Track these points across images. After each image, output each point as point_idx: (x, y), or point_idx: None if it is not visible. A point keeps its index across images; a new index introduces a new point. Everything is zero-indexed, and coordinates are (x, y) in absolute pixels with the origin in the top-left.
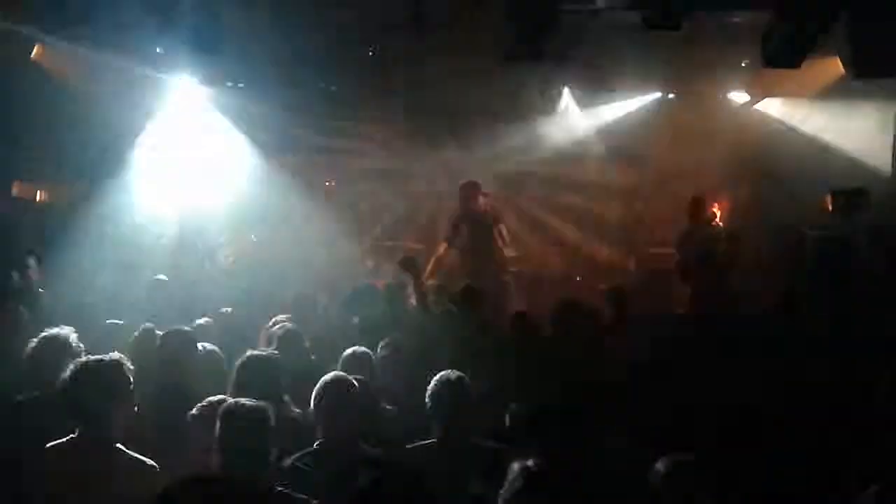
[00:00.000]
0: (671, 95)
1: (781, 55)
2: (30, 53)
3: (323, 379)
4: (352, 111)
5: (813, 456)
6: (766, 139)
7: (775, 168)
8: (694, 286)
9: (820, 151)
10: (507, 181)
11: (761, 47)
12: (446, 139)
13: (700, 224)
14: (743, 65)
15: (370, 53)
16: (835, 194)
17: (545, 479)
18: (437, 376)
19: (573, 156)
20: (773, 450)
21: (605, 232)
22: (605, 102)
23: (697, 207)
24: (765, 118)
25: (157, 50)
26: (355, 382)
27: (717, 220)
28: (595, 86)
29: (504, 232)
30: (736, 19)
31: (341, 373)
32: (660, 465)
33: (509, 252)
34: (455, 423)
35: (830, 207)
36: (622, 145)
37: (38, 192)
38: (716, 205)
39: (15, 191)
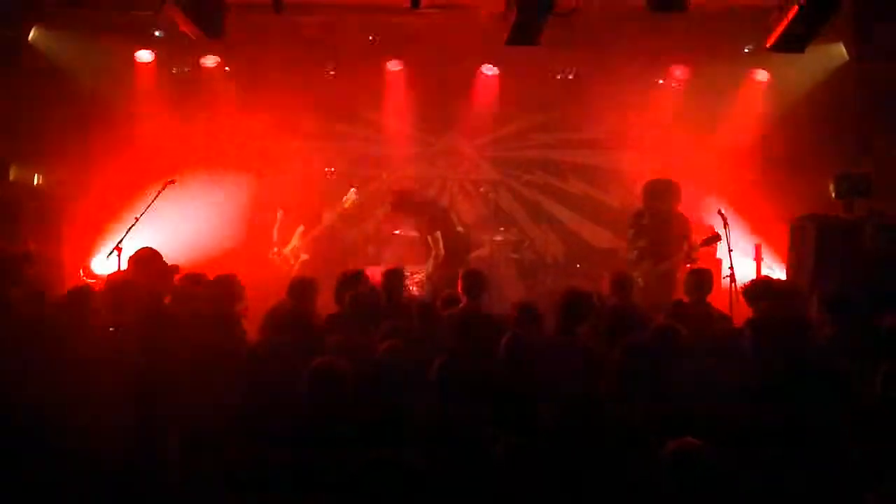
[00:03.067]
0: (674, 81)
1: (787, 40)
2: (27, 36)
3: None
4: (351, 95)
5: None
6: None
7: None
8: None
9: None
10: (506, 166)
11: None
12: (446, 124)
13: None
14: (746, 50)
15: (370, 39)
16: (839, 179)
17: None
18: None
19: (573, 141)
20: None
21: (605, 218)
22: (607, 86)
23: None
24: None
25: (156, 33)
26: None
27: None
28: (596, 69)
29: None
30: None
31: None
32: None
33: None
34: None
35: (833, 194)
36: (623, 130)
37: (36, 175)
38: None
39: (12, 175)
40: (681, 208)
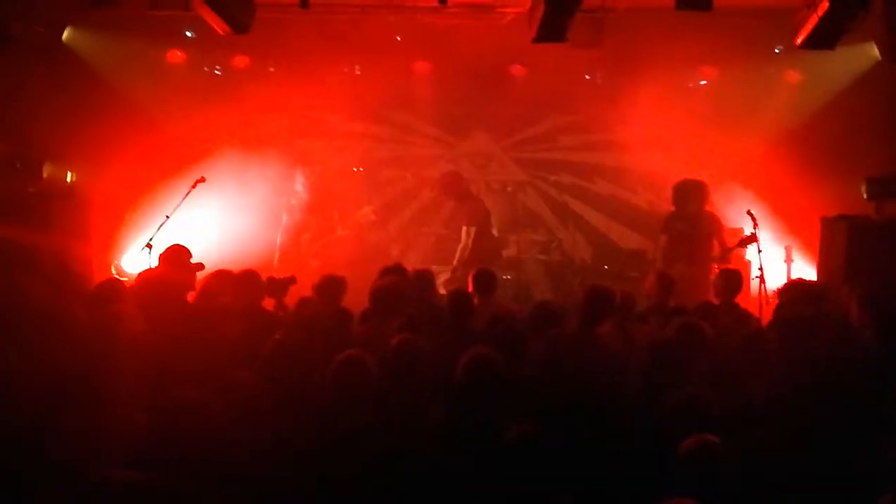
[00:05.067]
0: (703, 81)
1: (817, 38)
2: (61, 36)
3: None
4: (377, 95)
5: None
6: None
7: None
8: None
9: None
10: (533, 167)
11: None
12: (472, 124)
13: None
14: (777, 51)
15: (397, 38)
16: (870, 181)
17: None
18: None
19: (601, 142)
20: None
21: (633, 219)
22: (635, 87)
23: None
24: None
25: (187, 33)
26: None
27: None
28: (625, 70)
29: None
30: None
31: None
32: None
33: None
34: None
35: (865, 195)
36: (651, 131)
37: (69, 173)
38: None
39: (46, 173)
40: (710, 209)
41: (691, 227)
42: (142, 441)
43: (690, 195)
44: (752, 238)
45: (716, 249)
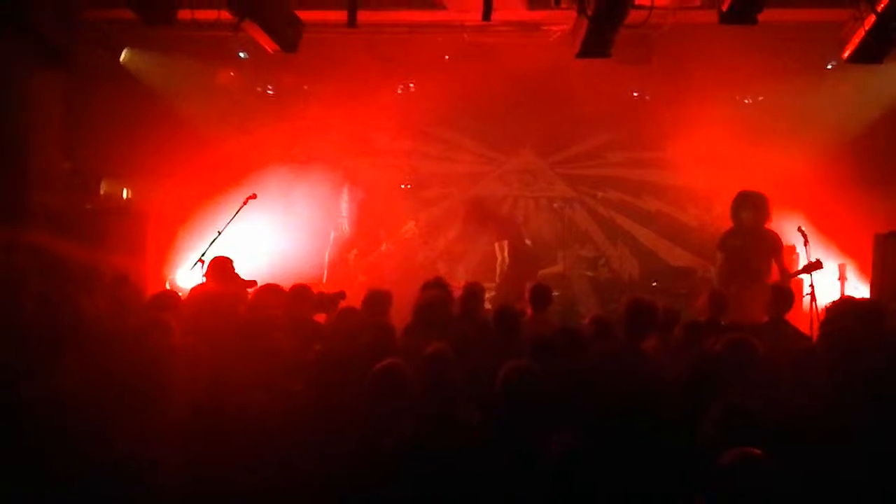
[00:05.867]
0: (751, 97)
1: (864, 51)
2: (118, 58)
3: None
4: (424, 113)
5: None
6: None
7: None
8: None
9: None
10: (580, 184)
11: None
12: (519, 141)
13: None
14: (829, 67)
15: (445, 58)
16: None
17: None
18: None
19: (648, 158)
20: None
21: (682, 236)
22: (682, 103)
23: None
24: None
25: (241, 54)
26: None
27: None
28: (672, 86)
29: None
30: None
31: None
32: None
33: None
34: None
35: None
36: (699, 147)
37: (125, 190)
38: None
39: (103, 189)
40: (769, 225)
41: (746, 244)
42: (195, 443)
43: (743, 208)
44: (818, 264)
45: (774, 271)
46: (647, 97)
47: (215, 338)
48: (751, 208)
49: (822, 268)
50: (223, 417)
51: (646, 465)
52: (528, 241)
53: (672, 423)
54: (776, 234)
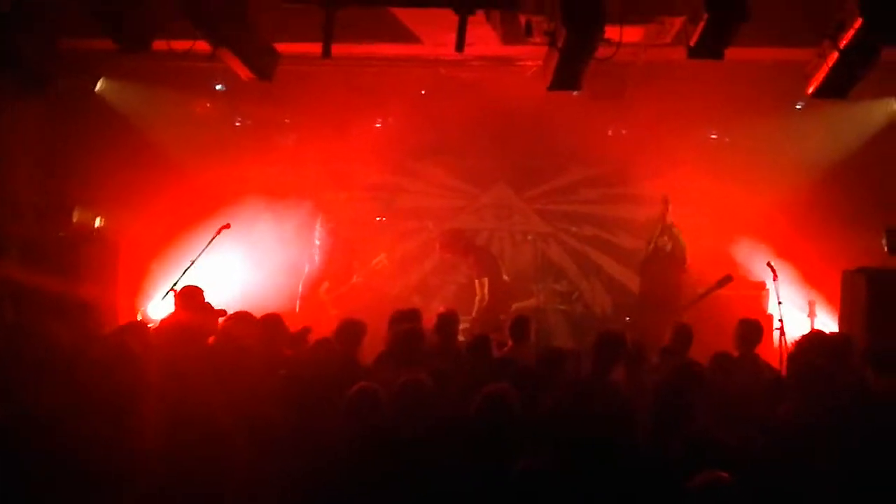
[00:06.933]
0: (723, 135)
1: (829, 87)
2: (94, 86)
3: None
4: (402, 147)
5: None
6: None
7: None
8: None
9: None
10: (555, 219)
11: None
12: (495, 176)
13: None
14: (798, 107)
15: (422, 92)
16: (890, 233)
17: None
18: None
19: (623, 195)
20: None
21: None
22: (656, 140)
23: None
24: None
25: (217, 86)
26: None
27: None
28: (646, 124)
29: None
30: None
31: None
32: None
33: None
34: None
35: (886, 247)
36: (674, 184)
37: (97, 218)
38: None
39: (75, 217)
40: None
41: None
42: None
43: None
44: (728, 279)
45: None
46: (623, 132)
47: (182, 366)
48: None
49: (732, 280)
50: (190, 440)
51: (612, 488)
52: (505, 277)
53: (638, 449)
54: None
